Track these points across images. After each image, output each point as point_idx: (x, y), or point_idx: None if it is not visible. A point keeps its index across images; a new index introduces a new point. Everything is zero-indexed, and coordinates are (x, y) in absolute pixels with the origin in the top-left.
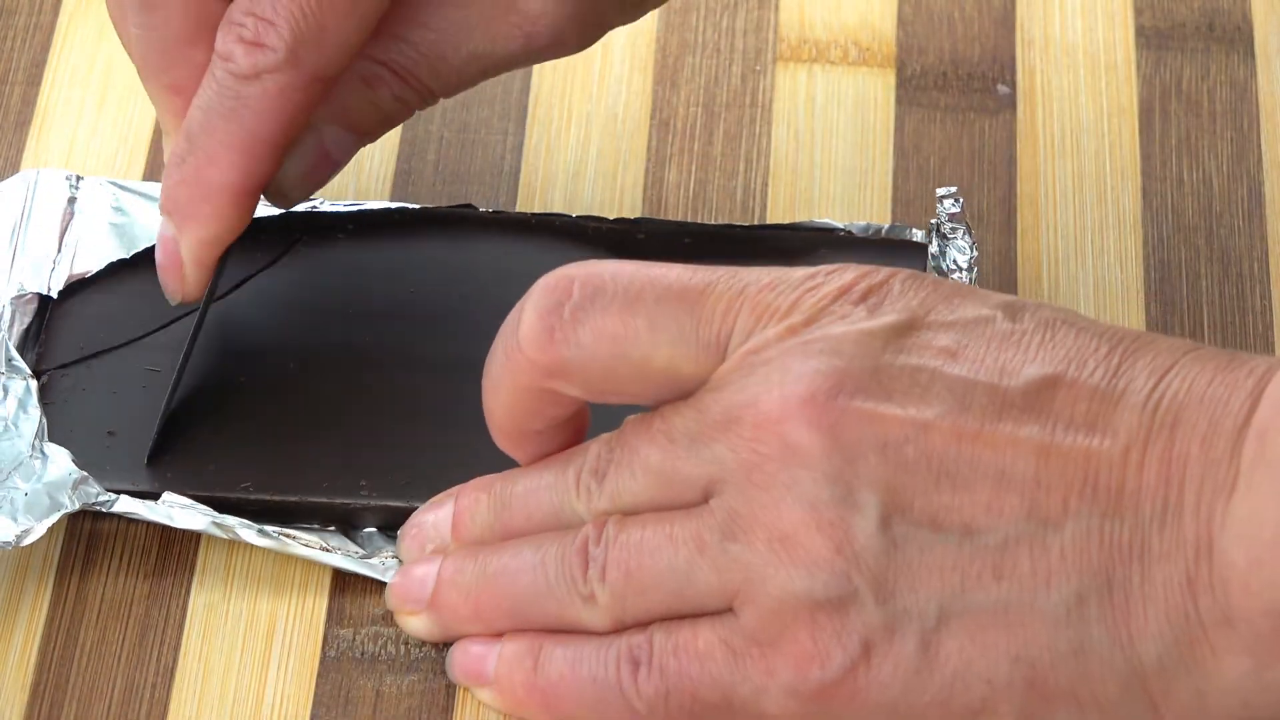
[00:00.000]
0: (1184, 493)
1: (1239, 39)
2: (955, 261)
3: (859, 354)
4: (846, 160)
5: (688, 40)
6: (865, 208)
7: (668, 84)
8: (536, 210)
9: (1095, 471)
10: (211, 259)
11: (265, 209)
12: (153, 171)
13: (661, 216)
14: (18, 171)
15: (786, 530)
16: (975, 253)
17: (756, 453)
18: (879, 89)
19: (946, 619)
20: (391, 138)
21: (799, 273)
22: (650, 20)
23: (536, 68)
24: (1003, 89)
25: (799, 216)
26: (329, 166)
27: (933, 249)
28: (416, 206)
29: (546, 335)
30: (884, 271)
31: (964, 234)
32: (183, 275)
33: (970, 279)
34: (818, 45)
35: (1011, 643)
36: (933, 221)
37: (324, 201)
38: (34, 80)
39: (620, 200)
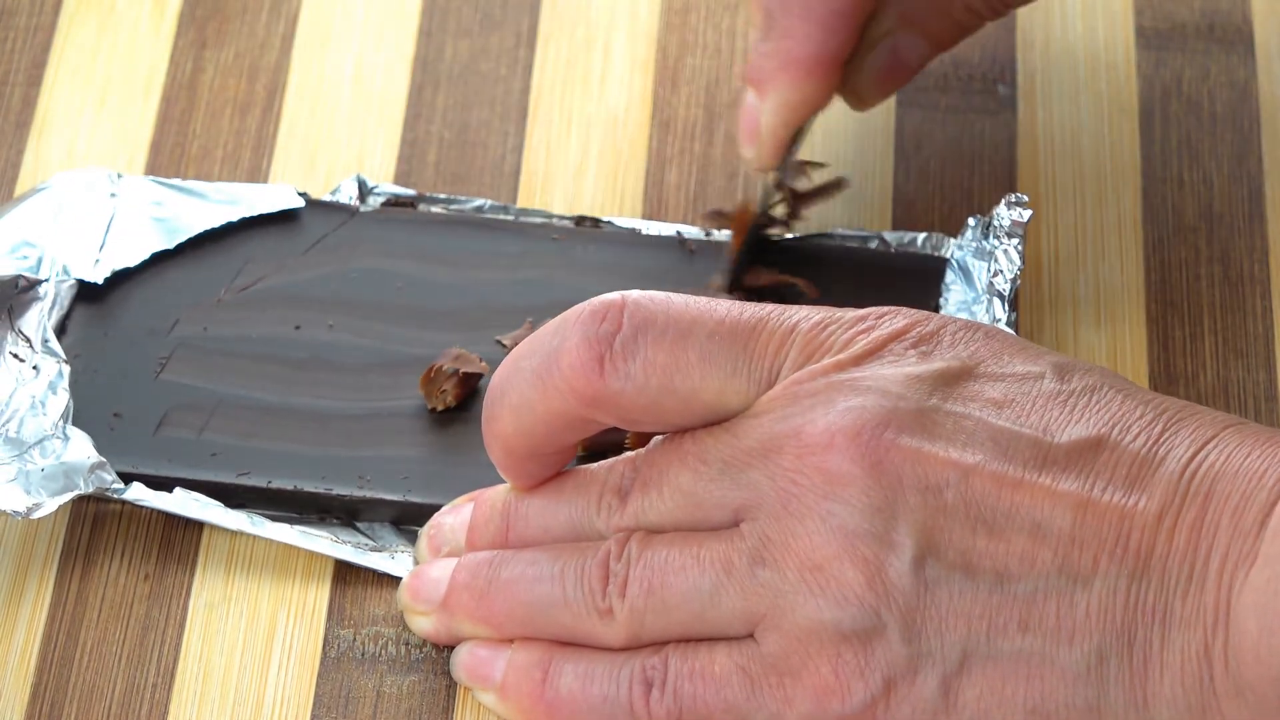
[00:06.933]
0: (1209, 561)
1: (1239, 40)
2: (1001, 269)
3: (907, 395)
4: (847, 161)
5: (688, 40)
6: (866, 209)
7: (668, 84)
8: (537, 208)
9: (1128, 532)
10: (789, 126)
11: (278, 209)
12: (152, 172)
13: (661, 217)
14: (18, 171)
15: (819, 560)
16: (1022, 264)
17: (795, 482)
18: None
19: (969, 664)
20: (393, 139)
21: (850, 313)
22: (650, 20)
23: (537, 67)
24: (1003, 89)
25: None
26: (903, 71)
27: (969, 239)
28: (432, 211)
29: (595, 366)
30: (936, 319)
31: (1019, 244)
32: (760, 141)
33: (1008, 290)
34: None
35: (1029, 695)
36: (984, 218)
37: (346, 196)
38: (34, 80)
39: (620, 201)
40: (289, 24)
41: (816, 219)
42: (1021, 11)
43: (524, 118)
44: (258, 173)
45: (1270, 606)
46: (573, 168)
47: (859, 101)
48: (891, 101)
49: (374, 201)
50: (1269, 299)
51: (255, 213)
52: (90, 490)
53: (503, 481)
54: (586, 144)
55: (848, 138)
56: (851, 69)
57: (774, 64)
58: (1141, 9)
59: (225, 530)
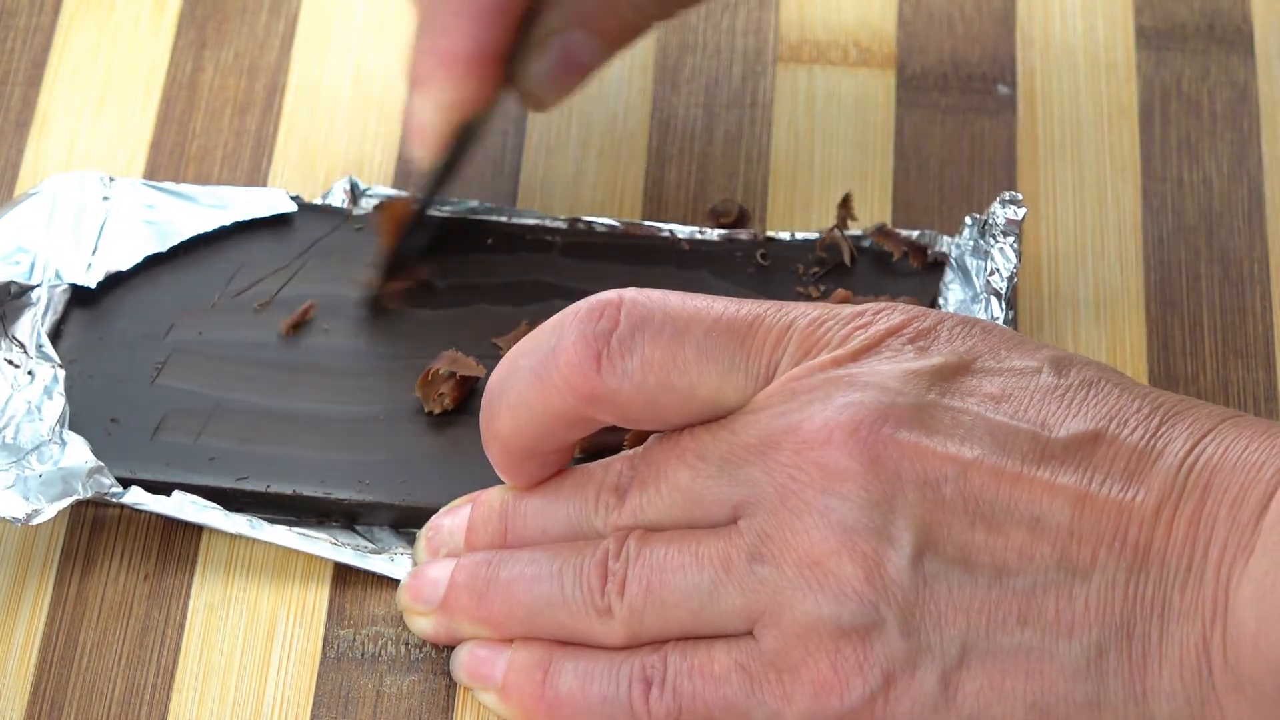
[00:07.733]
0: (1208, 554)
1: (1239, 40)
2: (998, 267)
3: (905, 390)
4: (847, 161)
5: (688, 40)
6: (866, 209)
7: (668, 84)
8: (535, 208)
9: (1126, 526)
10: (450, 125)
11: (274, 209)
12: (152, 172)
13: (662, 217)
14: (18, 171)
15: (818, 556)
16: (1019, 262)
17: (793, 478)
18: (879, 89)
19: (969, 659)
20: (392, 139)
21: (847, 310)
22: None
23: None
24: (1003, 89)
25: (799, 217)
26: (576, 70)
27: (966, 238)
28: (430, 213)
29: (592, 363)
30: (933, 315)
31: (1014, 243)
32: (424, 140)
33: (1005, 289)
34: (818, 46)
35: (1029, 689)
36: (979, 217)
37: (338, 198)
38: (34, 80)
39: (620, 200)
40: (289, 24)
41: (815, 219)
42: (1021, 11)
43: (524, 118)
44: (257, 173)
45: (1268, 599)
46: (572, 168)
47: (535, 103)
48: (891, 101)
49: (366, 203)
50: (1269, 299)
51: (248, 217)
52: (89, 495)
53: (501, 483)
54: (586, 144)
55: (848, 137)
56: (523, 69)
57: (432, 62)
58: (1141, 9)
59: (225, 533)
